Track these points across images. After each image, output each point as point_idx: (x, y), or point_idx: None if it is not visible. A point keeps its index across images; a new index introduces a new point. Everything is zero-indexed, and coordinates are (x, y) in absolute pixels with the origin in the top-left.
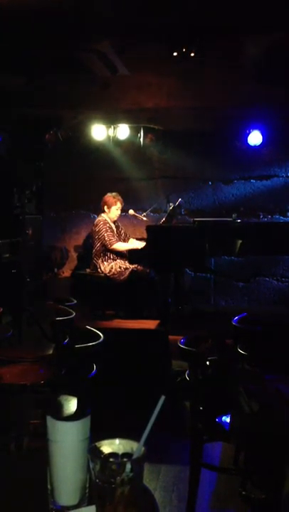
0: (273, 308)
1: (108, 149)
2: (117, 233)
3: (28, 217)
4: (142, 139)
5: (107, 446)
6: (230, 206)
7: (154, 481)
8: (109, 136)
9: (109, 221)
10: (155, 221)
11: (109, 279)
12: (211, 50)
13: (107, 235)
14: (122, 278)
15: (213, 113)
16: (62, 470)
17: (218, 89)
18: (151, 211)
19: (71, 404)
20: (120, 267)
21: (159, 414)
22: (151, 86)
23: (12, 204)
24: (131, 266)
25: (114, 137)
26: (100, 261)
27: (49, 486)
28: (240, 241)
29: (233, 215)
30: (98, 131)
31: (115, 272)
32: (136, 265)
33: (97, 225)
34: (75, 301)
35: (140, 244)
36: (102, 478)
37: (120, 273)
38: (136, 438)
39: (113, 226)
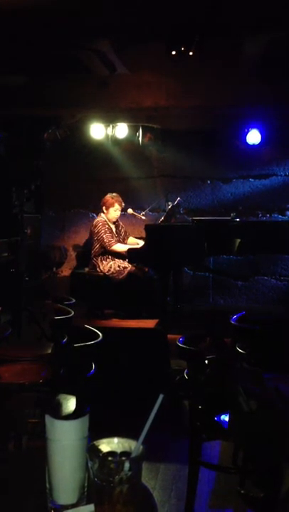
0: (272, 307)
1: (107, 148)
2: (117, 233)
3: (26, 217)
4: (140, 138)
5: (106, 445)
6: (229, 205)
7: (153, 479)
8: (108, 135)
9: (108, 222)
10: (154, 220)
11: (108, 278)
12: (209, 49)
13: (106, 237)
14: (120, 277)
15: (212, 112)
16: (60, 469)
17: (216, 88)
18: (150, 210)
19: (70, 403)
20: (119, 266)
21: (157, 412)
22: (150, 85)
23: (11, 203)
24: (130, 265)
25: (113, 136)
26: (98, 260)
27: (48, 485)
28: (238, 240)
29: (232, 214)
30: (97, 130)
31: (114, 271)
32: (135, 264)
33: (96, 226)
34: (74, 300)
35: (139, 243)
36: (101, 477)
37: (119, 272)
38: (134, 437)
39: (112, 226)
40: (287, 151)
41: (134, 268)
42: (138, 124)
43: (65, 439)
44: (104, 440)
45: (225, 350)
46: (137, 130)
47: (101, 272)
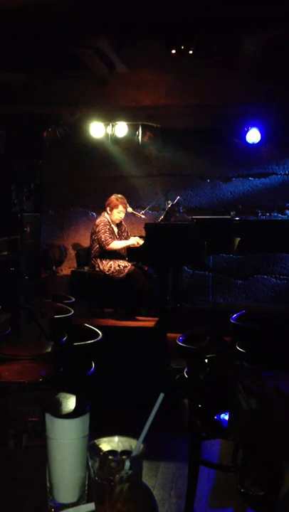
0: (271, 306)
1: (106, 147)
2: (118, 234)
3: (26, 215)
4: (140, 137)
5: (106, 444)
6: (228, 204)
7: (153, 478)
8: (107, 134)
9: (110, 222)
10: (153, 219)
11: (107, 277)
12: (209, 48)
13: (104, 236)
14: (120, 276)
15: (211, 110)
16: (61, 467)
17: (216, 86)
18: (149, 209)
19: (70, 402)
20: (119, 266)
21: (157, 411)
22: (150, 83)
23: (10, 202)
24: (129, 264)
25: (112, 135)
26: (98, 260)
27: (48, 484)
28: (238, 239)
29: (232, 213)
30: (96, 129)
31: (114, 270)
32: (134, 263)
33: (98, 225)
34: (74, 299)
35: (136, 240)
36: (101, 476)
37: (119, 271)
38: (135, 435)
39: (115, 228)
40: (287, 150)
41: (133, 267)
42: (137, 122)
43: (65, 437)
44: (105, 439)
45: (225, 348)
46: (137, 129)
47: (101, 271)
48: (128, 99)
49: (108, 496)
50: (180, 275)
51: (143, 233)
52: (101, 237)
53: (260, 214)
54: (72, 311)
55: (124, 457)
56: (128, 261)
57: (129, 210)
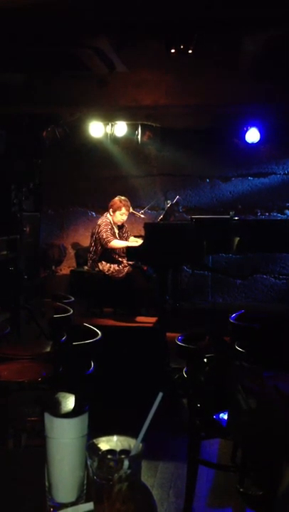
0: (271, 306)
1: (106, 147)
2: (119, 235)
3: (25, 215)
4: (139, 137)
5: (105, 443)
6: (228, 203)
7: (152, 477)
8: (107, 134)
9: (112, 223)
10: (153, 218)
11: (107, 277)
12: (208, 48)
13: (106, 234)
14: (120, 276)
15: (211, 110)
16: (60, 467)
17: (216, 86)
18: (149, 208)
19: (69, 402)
20: (118, 266)
21: (156, 411)
22: (149, 83)
23: (10, 201)
24: (129, 264)
25: (112, 134)
26: (98, 260)
27: (47, 483)
28: (237, 238)
29: (231, 213)
30: (96, 129)
31: (113, 271)
32: (134, 263)
33: (99, 225)
34: (73, 299)
35: (137, 242)
36: (100, 475)
37: (118, 271)
38: (134, 435)
39: (115, 228)
40: (287, 150)
41: (133, 267)
42: (137, 122)
43: (64, 437)
44: (104, 438)
45: (224, 348)
46: (136, 128)
47: (100, 270)
48: (128, 98)
49: (107, 495)
50: (179, 275)
51: (142, 233)
52: (102, 235)
53: (259, 214)
54: (72, 311)
55: (123, 456)
56: (127, 261)
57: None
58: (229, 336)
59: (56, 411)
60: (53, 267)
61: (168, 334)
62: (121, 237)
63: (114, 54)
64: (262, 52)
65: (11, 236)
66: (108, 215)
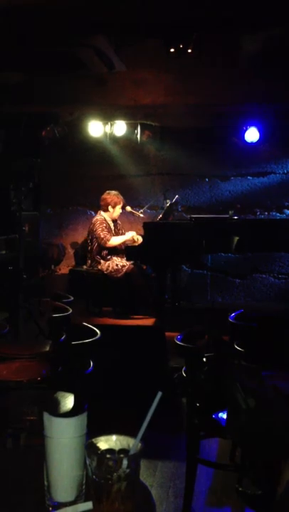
0: (270, 305)
1: (105, 146)
2: (115, 231)
3: (24, 214)
4: (138, 136)
5: (104, 443)
6: (227, 203)
7: (151, 477)
8: (106, 133)
9: (107, 220)
10: (152, 218)
11: (106, 276)
12: (208, 47)
13: (103, 234)
14: (119, 275)
15: (210, 110)
16: (58, 466)
17: (215, 85)
18: (148, 208)
19: (68, 401)
20: (117, 264)
21: (155, 410)
22: (148, 82)
23: (8, 200)
24: (128, 263)
25: (111, 134)
26: (96, 259)
27: (46, 483)
28: (236, 238)
29: (230, 212)
30: (95, 128)
31: (112, 270)
32: (133, 262)
33: (94, 224)
34: (72, 298)
35: (133, 234)
36: (99, 475)
37: (117, 270)
38: (133, 434)
39: (111, 225)
40: (286, 149)
41: (132, 266)
42: (136, 121)
43: (63, 436)
44: (103, 437)
45: (223, 347)
46: (136, 128)
47: (99, 270)
48: (127, 98)
49: (106, 494)
50: (179, 274)
51: (141, 232)
52: (100, 234)
53: (258, 213)
54: (71, 310)
55: (121, 456)
56: (127, 260)
57: (128, 209)
58: (228, 336)
59: (55, 410)
60: (52, 267)
61: (167, 333)
62: (117, 233)
63: (113, 53)
64: (261, 52)
65: (10, 235)
66: (102, 212)
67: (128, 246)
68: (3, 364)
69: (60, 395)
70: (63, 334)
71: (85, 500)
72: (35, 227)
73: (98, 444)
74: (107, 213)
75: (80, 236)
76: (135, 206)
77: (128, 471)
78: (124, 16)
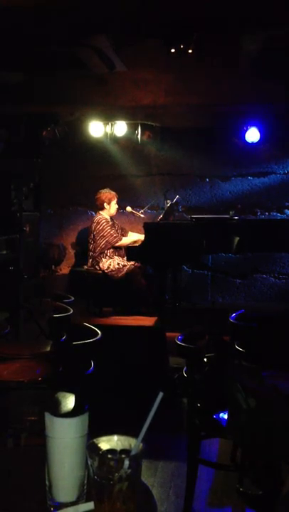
0: (270, 305)
1: (106, 146)
2: (116, 230)
3: (25, 214)
4: (139, 136)
5: (105, 443)
6: (227, 203)
7: (152, 477)
8: (106, 133)
9: (109, 219)
10: (152, 218)
11: (106, 276)
12: (208, 47)
13: (114, 232)
14: (119, 275)
15: (210, 110)
16: (60, 466)
17: (216, 85)
18: (148, 208)
19: (69, 401)
20: (118, 264)
21: (156, 410)
22: (149, 83)
23: (9, 201)
24: (128, 263)
25: (111, 134)
26: (98, 258)
27: (47, 483)
28: (237, 238)
29: (231, 212)
30: (95, 128)
31: (113, 269)
32: (133, 262)
33: (99, 223)
34: (73, 298)
35: (141, 236)
36: (100, 475)
37: (118, 270)
38: (134, 434)
39: (111, 223)
40: (286, 149)
41: (133, 266)
42: (137, 121)
43: (65, 436)
44: (104, 438)
45: (223, 347)
46: (136, 128)
47: (100, 269)
48: (128, 98)
49: (107, 494)
50: (179, 274)
51: (142, 232)
52: (110, 233)
53: (259, 213)
54: (72, 310)
55: (123, 456)
56: (127, 260)
57: (129, 209)
58: (229, 336)
59: (56, 410)
60: (53, 267)
61: (167, 333)
62: (116, 232)
63: (113, 53)
64: (262, 52)
65: (10, 235)
66: (101, 212)
67: (129, 246)
68: (3, 364)
69: (61, 395)
70: (64, 334)
71: (87, 501)
72: (35, 228)
73: (99, 445)
74: (105, 211)
75: (80, 236)
76: (136, 206)
77: (129, 471)
78: (124, 16)
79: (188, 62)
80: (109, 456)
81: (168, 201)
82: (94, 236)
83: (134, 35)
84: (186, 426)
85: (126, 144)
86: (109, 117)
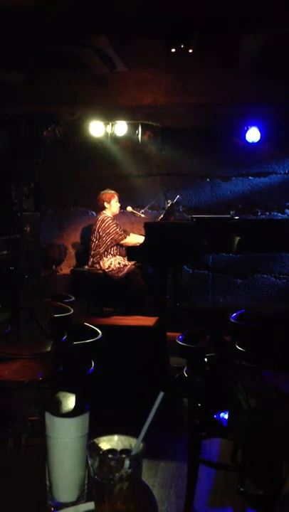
0: (271, 305)
1: (106, 146)
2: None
3: (26, 214)
4: (140, 136)
5: (106, 443)
6: (228, 203)
7: (153, 477)
8: (107, 133)
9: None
10: (153, 218)
11: (107, 276)
12: (209, 47)
13: (119, 230)
14: (120, 275)
15: (211, 110)
16: (60, 466)
17: (216, 85)
18: (149, 208)
19: (69, 401)
20: (119, 263)
21: (157, 410)
22: (149, 82)
23: (10, 201)
24: (129, 263)
25: (112, 134)
26: (99, 257)
27: (47, 483)
28: (238, 238)
29: (231, 212)
30: (96, 128)
31: (114, 268)
32: (134, 262)
33: (104, 220)
34: (73, 298)
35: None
36: (101, 475)
37: (118, 270)
38: (134, 434)
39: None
40: (287, 149)
41: (133, 266)
42: (137, 121)
43: (65, 436)
44: (104, 438)
45: (224, 347)
46: (137, 128)
47: (101, 269)
48: (128, 98)
49: (108, 494)
50: (179, 274)
51: (142, 232)
52: (116, 231)
53: (259, 213)
54: (72, 310)
55: (123, 456)
56: (128, 259)
57: (129, 209)
58: (229, 336)
59: (57, 410)
60: (54, 267)
61: (168, 333)
62: None
63: (114, 53)
64: (262, 52)
65: (11, 235)
66: (104, 211)
67: (129, 246)
68: (4, 364)
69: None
70: (64, 334)
71: (87, 501)
72: (36, 228)
73: (100, 445)
74: (107, 211)
75: (81, 236)
76: (136, 206)
77: (130, 471)
78: (124, 16)
79: (188, 62)
80: (110, 456)
81: (168, 201)
82: (98, 234)
83: (135, 35)
84: (187, 426)
85: (126, 144)
86: (109, 117)
